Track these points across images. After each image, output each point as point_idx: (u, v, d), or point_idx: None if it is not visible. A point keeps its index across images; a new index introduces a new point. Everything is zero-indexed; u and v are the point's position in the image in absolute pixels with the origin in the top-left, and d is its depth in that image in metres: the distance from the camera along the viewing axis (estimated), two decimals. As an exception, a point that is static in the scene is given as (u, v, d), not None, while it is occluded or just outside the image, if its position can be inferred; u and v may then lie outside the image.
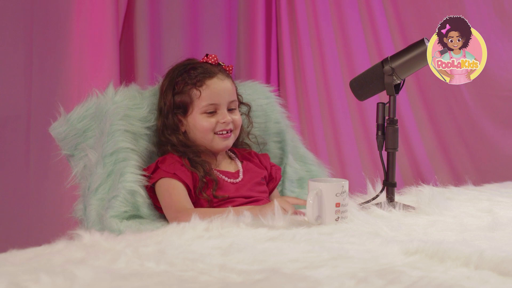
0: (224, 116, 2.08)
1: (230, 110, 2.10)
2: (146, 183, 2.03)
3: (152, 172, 2.04)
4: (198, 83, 2.08)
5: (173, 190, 2.00)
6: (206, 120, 2.08)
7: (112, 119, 2.07)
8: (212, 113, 2.08)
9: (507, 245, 1.50)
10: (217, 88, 2.08)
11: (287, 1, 3.54)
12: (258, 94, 2.35)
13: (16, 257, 1.33)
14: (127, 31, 3.21)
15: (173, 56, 3.23)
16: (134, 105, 2.12)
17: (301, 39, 3.52)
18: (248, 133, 2.23)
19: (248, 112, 2.23)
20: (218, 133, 2.08)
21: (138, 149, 2.08)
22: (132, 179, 2.00)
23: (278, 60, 3.60)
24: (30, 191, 3.01)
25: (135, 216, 1.99)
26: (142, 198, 2.00)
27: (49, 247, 1.39)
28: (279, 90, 3.50)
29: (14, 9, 2.97)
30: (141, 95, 2.17)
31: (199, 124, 2.08)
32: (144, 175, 2.03)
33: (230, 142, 2.12)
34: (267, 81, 3.53)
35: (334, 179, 1.79)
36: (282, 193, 2.32)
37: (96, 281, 1.13)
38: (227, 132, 2.09)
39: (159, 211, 2.05)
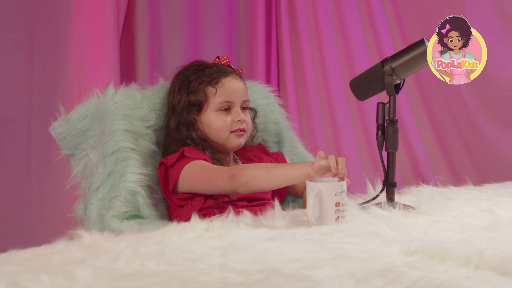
0: (238, 114, 2.10)
1: (242, 110, 2.12)
2: (148, 183, 2.02)
3: (176, 161, 2.02)
4: (214, 80, 2.10)
5: (206, 164, 2.00)
6: (221, 119, 2.09)
7: (112, 119, 2.07)
8: (226, 111, 2.09)
9: (507, 245, 1.50)
10: (232, 87, 2.10)
11: (287, 1, 3.54)
12: (258, 94, 2.35)
13: (16, 257, 1.33)
14: (127, 31, 3.21)
15: (173, 56, 3.25)
16: (135, 104, 2.13)
17: (301, 39, 3.52)
18: (253, 138, 2.24)
19: (254, 117, 2.24)
20: (233, 131, 2.09)
21: (139, 149, 2.08)
22: (133, 179, 2.00)
23: (278, 60, 3.60)
24: (30, 191, 3.01)
25: (135, 216, 1.99)
26: (142, 198, 2.00)
27: (49, 247, 1.39)
28: (279, 90, 3.50)
29: (14, 9, 2.97)
30: (142, 95, 2.17)
31: (213, 122, 2.09)
32: (162, 163, 2.02)
33: (243, 140, 2.13)
34: (267, 81, 3.53)
35: (332, 178, 1.78)
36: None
37: (96, 281, 1.13)
38: (241, 131, 2.10)
39: (160, 208, 2.04)
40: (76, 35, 3.04)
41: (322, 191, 1.70)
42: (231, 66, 2.17)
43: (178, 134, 2.11)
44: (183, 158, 2.02)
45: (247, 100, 2.15)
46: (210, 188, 1.99)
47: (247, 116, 2.14)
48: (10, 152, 2.99)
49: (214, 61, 2.17)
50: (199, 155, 2.04)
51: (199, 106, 2.11)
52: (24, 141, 3.00)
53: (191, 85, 2.12)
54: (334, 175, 1.75)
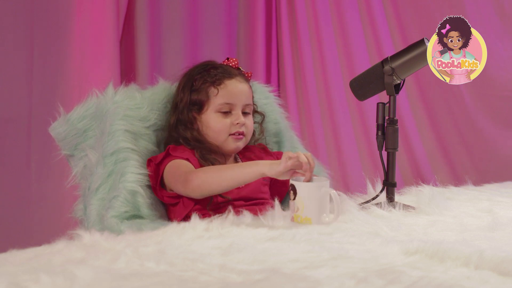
0: (238, 117, 2.09)
1: (244, 114, 2.11)
2: (147, 183, 2.02)
3: (162, 160, 2.03)
4: (217, 81, 2.10)
5: (181, 164, 1.99)
6: (220, 121, 2.09)
7: (112, 119, 2.07)
8: (227, 113, 2.09)
9: (507, 245, 1.50)
10: (235, 89, 2.10)
11: (287, 1, 3.54)
12: (257, 94, 2.35)
13: (16, 257, 1.33)
14: (127, 31, 3.22)
15: (173, 56, 3.25)
16: (134, 105, 2.13)
17: (301, 39, 3.52)
18: (256, 141, 2.23)
19: (262, 121, 2.24)
20: (232, 134, 2.09)
21: (139, 149, 2.08)
22: (132, 179, 2.00)
23: (278, 60, 3.60)
24: (30, 191, 3.01)
25: (135, 216, 1.99)
26: (142, 198, 2.00)
27: (49, 247, 1.39)
28: (279, 90, 3.50)
29: (14, 9, 2.97)
30: (141, 95, 2.17)
31: (212, 123, 2.09)
32: (151, 161, 2.02)
33: (241, 144, 2.12)
34: (267, 81, 3.53)
35: (301, 177, 1.77)
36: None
37: (96, 281, 1.13)
38: (239, 134, 2.10)
39: (160, 208, 2.04)
40: (76, 35, 3.04)
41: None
42: (239, 68, 2.17)
43: (176, 132, 2.11)
44: (168, 156, 2.03)
45: (250, 104, 2.15)
46: (175, 190, 1.99)
47: (248, 120, 2.13)
48: (10, 152, 2.99)
49: (223, 62, 2.17)
50: (183, 154, 2.03)
51: (200, 106, 2.11)
52: (24, 141, 3.00)
53: (195, 84, 2.12)
54: (296, 172, 1.74)
